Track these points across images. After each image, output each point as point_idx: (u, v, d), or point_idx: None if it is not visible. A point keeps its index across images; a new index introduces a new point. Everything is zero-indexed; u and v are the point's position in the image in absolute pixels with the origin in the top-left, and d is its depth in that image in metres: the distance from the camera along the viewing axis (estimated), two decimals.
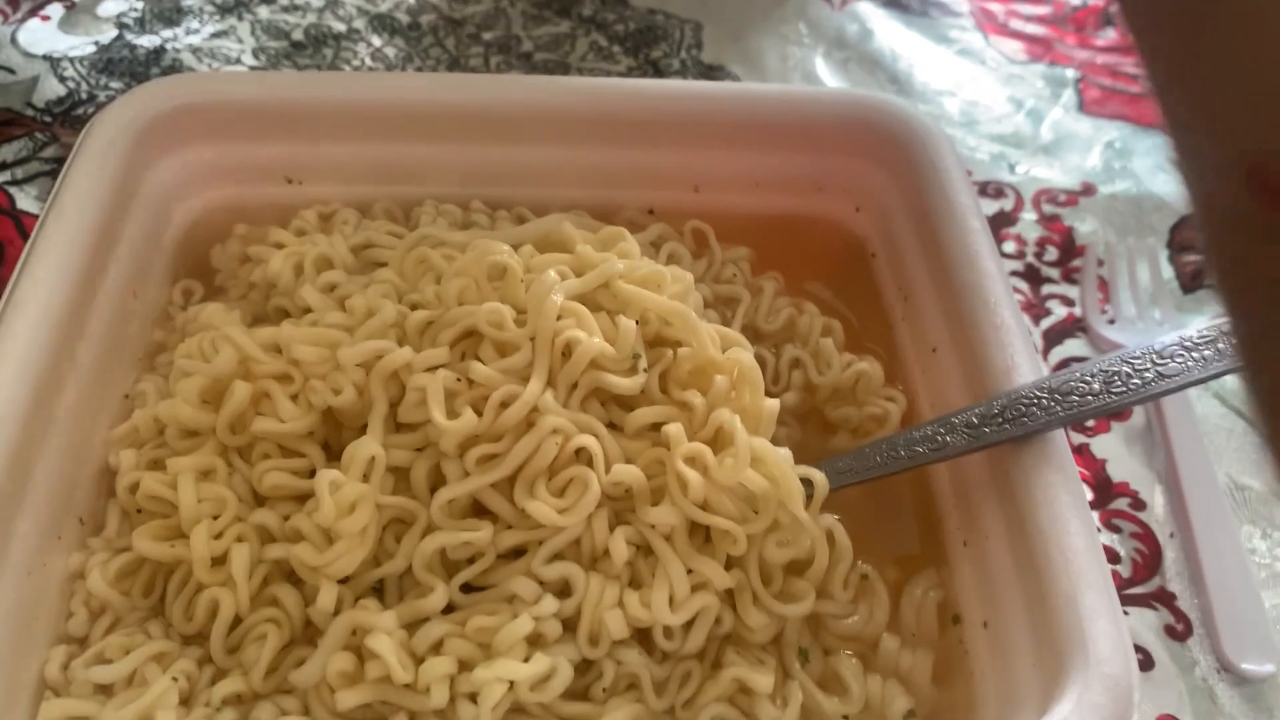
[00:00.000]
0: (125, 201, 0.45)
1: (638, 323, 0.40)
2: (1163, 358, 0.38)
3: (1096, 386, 0.39)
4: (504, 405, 0.38)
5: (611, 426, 0.40)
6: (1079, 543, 0.36)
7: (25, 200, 0.57)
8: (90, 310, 0.43)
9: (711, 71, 0.68)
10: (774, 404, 0.41)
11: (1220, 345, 0.38)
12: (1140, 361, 0.39)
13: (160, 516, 0.39)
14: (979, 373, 0.41)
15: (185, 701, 0.36)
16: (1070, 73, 0.71)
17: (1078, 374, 0.39)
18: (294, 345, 0.40)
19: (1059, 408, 0.38)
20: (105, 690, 0.36)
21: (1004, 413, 0.39)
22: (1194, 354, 0.38)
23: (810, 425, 0.47)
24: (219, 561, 0.38)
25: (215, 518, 0.38)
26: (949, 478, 0.43)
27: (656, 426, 0.40)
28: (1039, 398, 0.39)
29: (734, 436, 0.38)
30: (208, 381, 0.40)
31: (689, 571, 0.38)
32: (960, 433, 0.39)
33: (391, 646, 0.35)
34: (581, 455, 0.38)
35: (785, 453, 0.39)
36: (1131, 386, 0.38)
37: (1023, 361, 0.41)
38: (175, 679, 0.35)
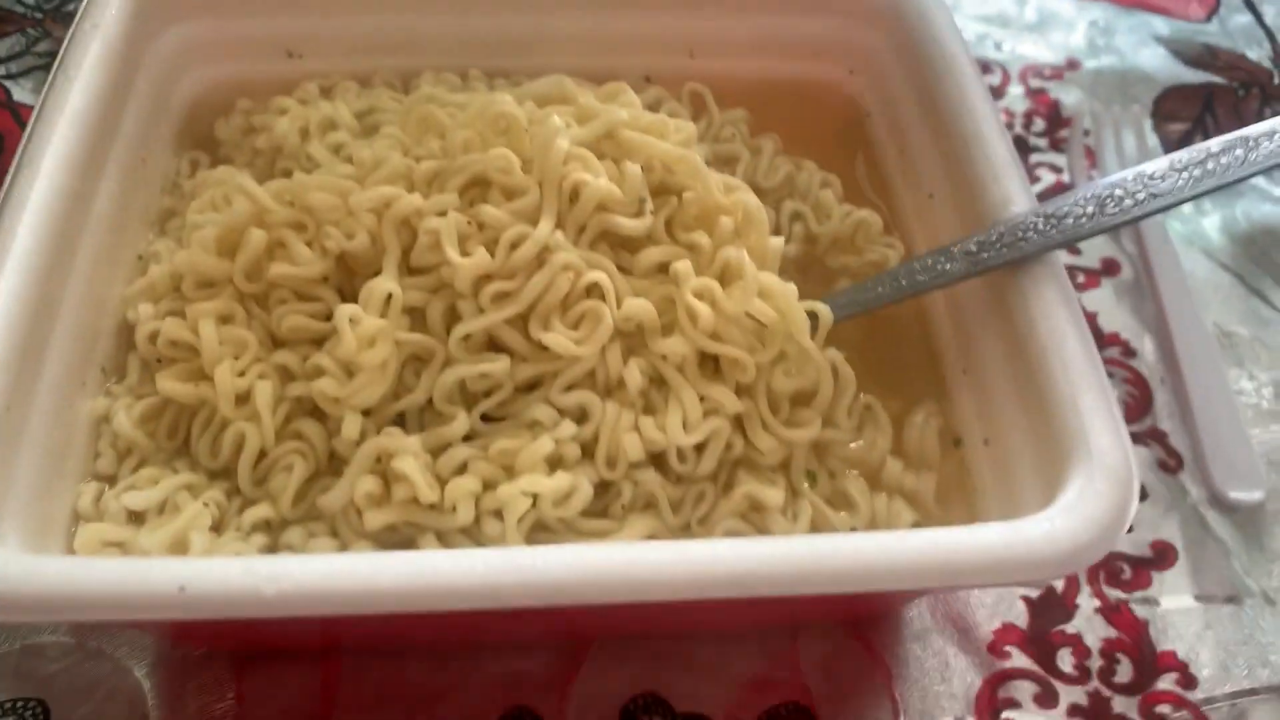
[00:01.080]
0: (129, 70, 0.46)
1: (643, 169, 0.41)
2: (1153, 179, 0.40)
3: (1090, 209, 0.40)
4: (515, 246, 0.39)
5: (620, 270, 0.41)
6: (1076, 350, 0.37)
7: (21, 93, 0.57)
8: (101, 172, 0.43)
9: None
10: (779, 241, 0.42)
11: (1208, 165, 0.39)
12: (1132, 183, 0.40)
13: (182, 361, 0.40)
14: (975, 209, 0.42)
15: (216, 528, 0.37)
16: None
17: (1071, 199, 0.40)
18: (307, 192, 0.41)
19: (1054, 231, 0.39)
20: (137, 519, 0.37)
21: (1001, 238, 0.40)
22: (1183, 173, 0.39)
23: (811, 275, 0.48)
24: (243, 399, 0.39)
25: (236, 358, 0.39)
26: (947, 312, 0.44)
27: (664, 269, 0.41)
28: (1034, 222, 0.40)
29: (742, 269, 0.39)
30: (223, 231, 0.41)
31: (700, 399, 0.39)
32: (959, 259, 0.41)
33: (418, 468, 0.36)
34: (593, 291, 0.39)
35: (790, 286, 0.40)
36: (1124, 207, 0.39)
37: (1017, 192, 0.42)
38: (206, 505, 0.36)
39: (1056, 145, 0.60)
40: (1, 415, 0.34)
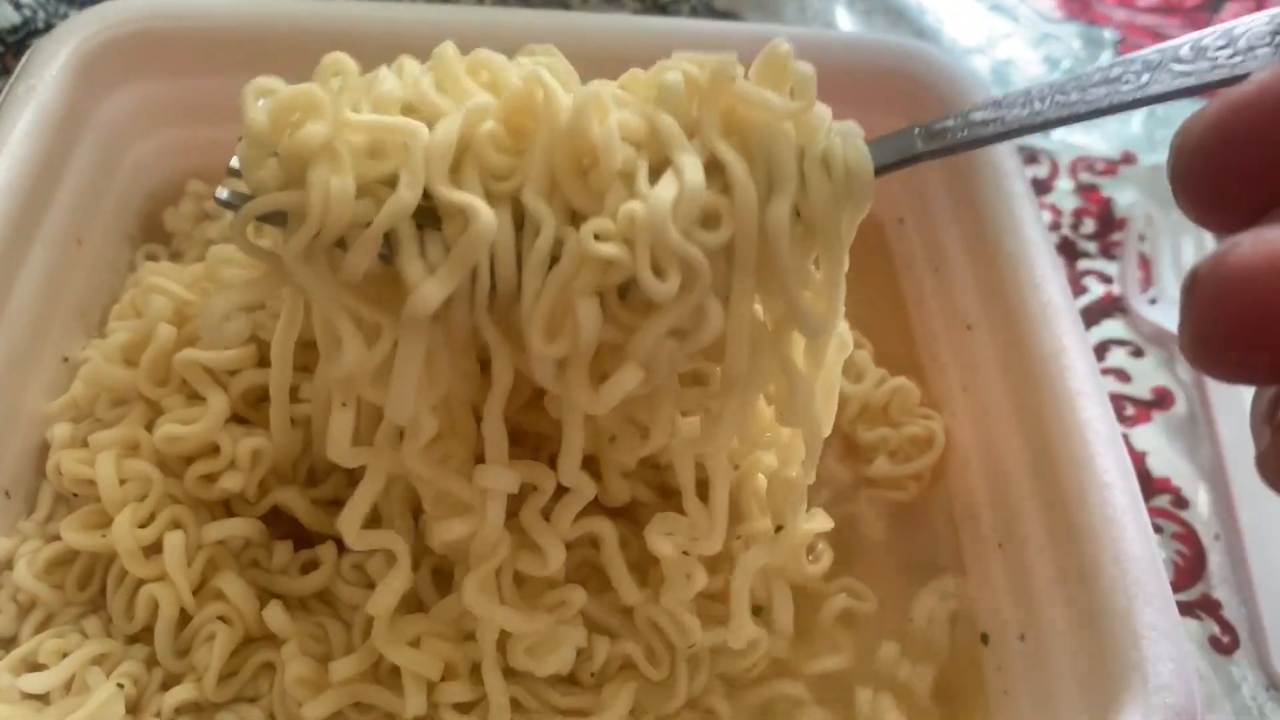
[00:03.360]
0: (69, 138, 0.40)
1: None
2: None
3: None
4: None
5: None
6: (1136, 549, 0.32)
7: None
8: (25, 257, 0.38)
9: (724, 18, 0.63)
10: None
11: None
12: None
13: (91, 500, 0.34)
14: (1021, 355, 0.37)
15: (133, 710, 0.31)
16: (1109, 33, 0.66)
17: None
18: (221, 269, 0.35)
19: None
20: (40, 697, 0.32)
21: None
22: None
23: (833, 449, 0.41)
24: (154, 550, 0.33)
25: (143, 497, 0.33)
26: (983, 474, 0.38)
27: None
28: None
29: None
30: (133, 336, 0.35)
31: None
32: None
33: None
34: None
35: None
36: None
37: (1072, 344, 0.36)
38: (121, 684, 0.31)
39: (1107, 250, 0.54)
40: None
